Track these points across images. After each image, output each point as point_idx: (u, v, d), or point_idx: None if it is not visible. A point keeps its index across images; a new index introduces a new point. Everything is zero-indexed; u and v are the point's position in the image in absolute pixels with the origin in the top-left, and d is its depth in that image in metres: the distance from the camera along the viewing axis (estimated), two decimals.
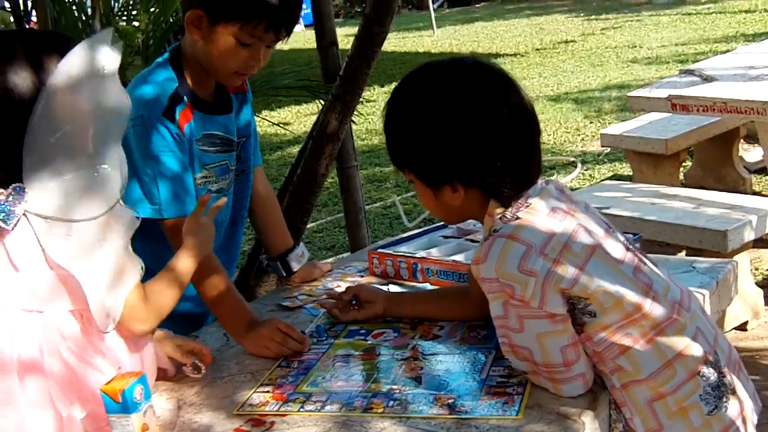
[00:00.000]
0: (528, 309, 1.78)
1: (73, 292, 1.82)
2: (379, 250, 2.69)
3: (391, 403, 1.87)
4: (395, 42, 17.38)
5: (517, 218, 1.84)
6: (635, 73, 10.67)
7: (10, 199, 1.78)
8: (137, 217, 1.87)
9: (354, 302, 2.35)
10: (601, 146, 6.62)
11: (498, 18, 19.23)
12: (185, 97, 2.37)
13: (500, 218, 1.86)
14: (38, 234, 1.78)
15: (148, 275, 1.97)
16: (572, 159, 7.34)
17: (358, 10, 26.39)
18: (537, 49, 13.95)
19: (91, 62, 1.81)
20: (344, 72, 3.42)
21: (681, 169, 6.14)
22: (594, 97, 9.58)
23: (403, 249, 2.68)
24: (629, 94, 5.75)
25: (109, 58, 1.82)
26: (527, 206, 1.85)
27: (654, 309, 1.80)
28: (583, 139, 7.93)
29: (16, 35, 2.05)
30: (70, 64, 1.81)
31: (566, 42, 14.27)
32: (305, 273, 2.74)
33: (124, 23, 3.81)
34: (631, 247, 1.91)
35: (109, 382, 1.74)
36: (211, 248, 2.14)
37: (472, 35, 16.96)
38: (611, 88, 9.90)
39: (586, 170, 7.01)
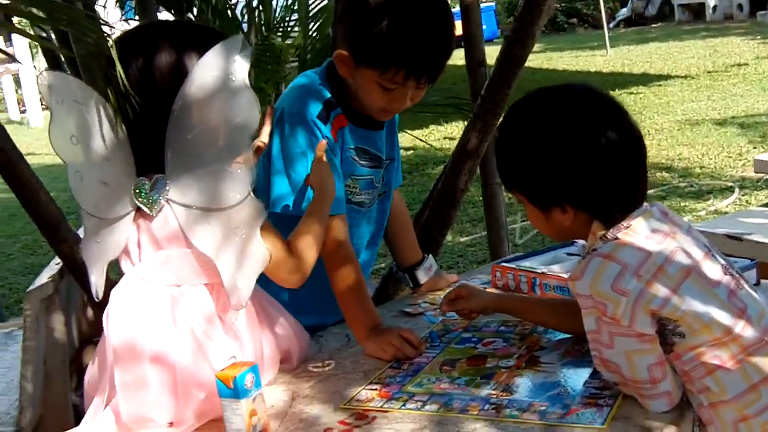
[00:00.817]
0: (618, 327, 1.85)
1: (210, 270, 2.04)
2: (502, 264, 2.79)
3: (487, 406, 1.97)
4: (568, 60, 17.33)
5: (617, 239, 1.91)
6: None
7: (155, 188, 2.02)
8: (266, 209, 2.06)
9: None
10: (754, 172, 6.52)
11: (673, 39, 18.87)
12: (339, 108, 2.48)
13: (601, 238, 1.94)
14: (179, 220, 2.02)
15: None
16: (730, 184, 7.24)
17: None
18: (708, 72, 13.67)
19: (222, 70, 2.00)
20: (485, 92, 3.52)
21: None
22: (761, 123, 9.36)
23: (526, 264, 2.77)
24: None
25: (240, 67, 2.00)
26: (627, 227, 1.92)
27: (744, 333, 1.83)
28: (744, 165, 7.78)
29: (169, 26, 2.25)
30: (203, 71, 2.00)
31: (738, 65, 13.92)
32: (431, 283, 2.86)
33: (280, 38, 3.99)
34: (731, 270, 1.95)
35: (223, 369, 1.91)
36: (334, 190, 2.31)
37: (645, 56, 16.73)
38: None
39: (743, 195, 6.90)
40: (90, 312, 3.65)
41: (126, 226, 2.07)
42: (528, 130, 2.01)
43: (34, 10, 2.26)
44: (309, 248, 2.18)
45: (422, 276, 2.86)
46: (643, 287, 1.82)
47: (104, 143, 2.06)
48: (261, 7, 4.02)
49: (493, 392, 2.04)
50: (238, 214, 2.01)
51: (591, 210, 1.96)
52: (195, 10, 3.98)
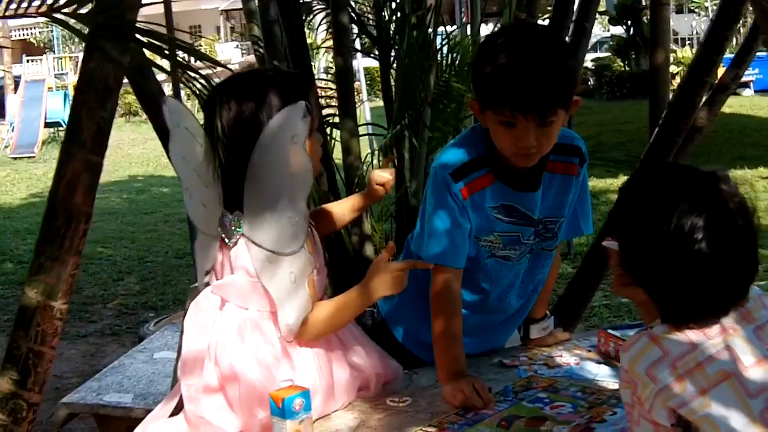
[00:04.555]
0: (642, 408, 1.89)
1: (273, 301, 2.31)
2: (608, 331, 2.84)
3: None
4: None
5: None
6: None
7: (234, 223, 2.31)
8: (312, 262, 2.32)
9: None
10: None
11: None
12: (487, 167, 2.60)
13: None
14: (250, 255, 2.30)
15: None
16: None
17: None
18: None
19: (289, 130, 2.27)
20: (643, 157, 3.56)
21: None
22: None
23: (631, 333, 2.81)
24: None
25: (301, 130, 2.26)
26: None
27: None
28: None
29: (272, 77, 2.47)
30: (275, 128, 2.27)
31: None
32: (539, 339, 2.97)
33: (459, 82, 4.15)
34: None
35: (278, 390, 2.11)
36: (392, 292, 2.44)
37: None
38: None
39: None
40: None
41: (215, 244, 2.39)
42: (631, 210, 2.00)
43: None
44: (318, 329, 2.38)
45: (534, 333, 2.97)
46: (671, 382, 1.83)
47: (205, 171, 2.38)
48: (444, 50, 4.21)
49: None
50: (294, 262, 2.27)
51: (661, 308, 1.94)
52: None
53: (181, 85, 4.07)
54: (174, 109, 2.42)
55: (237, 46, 38.06)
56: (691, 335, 1.88)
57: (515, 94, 2.39)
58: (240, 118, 2.31)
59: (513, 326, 2.98)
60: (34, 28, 40.42)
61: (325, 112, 4.39)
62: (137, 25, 2.40)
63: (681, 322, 1.90)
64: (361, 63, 12.99)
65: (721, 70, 4.02)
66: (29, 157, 19.49)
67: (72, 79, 26.53)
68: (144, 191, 14.32)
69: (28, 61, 30.98)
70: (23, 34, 41.24)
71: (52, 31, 38.42)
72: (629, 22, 24.31)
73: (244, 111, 2.31)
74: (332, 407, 2.41)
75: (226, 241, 2.34)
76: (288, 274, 2.27)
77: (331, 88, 4.02)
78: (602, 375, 2.65)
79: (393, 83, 4.45)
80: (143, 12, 2.64)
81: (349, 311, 2.42)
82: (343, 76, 4.02)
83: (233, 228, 2.32)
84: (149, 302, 7.56)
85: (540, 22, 4.28)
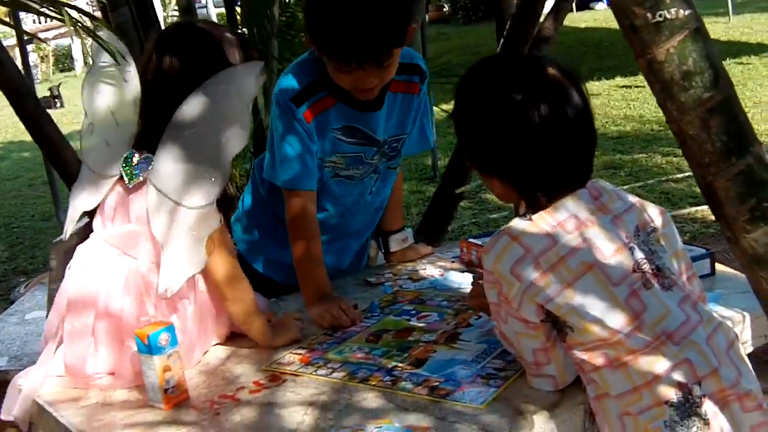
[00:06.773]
0: (510, 307, 1.93)
1: (158, 252, 2.21)
2: (469, 240, 2.90)
3: (387, 378, 2.11)
4: None
5: (531, 220, 1.93)
6: None
7: (140, 164, 2.23)
8: (220, 221, 2.21)
9: None
10: None
11: None
12: (327, 90, 2.59)
13: (520, 215, 1.97)
14: (149, 200, 2.19)
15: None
16: None
17: None
18: None
19: (235, 87, 2.21)
20: None
21: None
22: None
23: None
24: None
25: (249, 91, 2.24)
26: (546, 208, 1.93)
27: (632, 337, 1.84)
28: None
29: (204, 28, 2.42)
30: (220, 81, 2.20)
31: None
32: (402, 254, 3.01)
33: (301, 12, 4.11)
34: (644, 267, 1.91)
35: (143, 327, 2.10)
36: (285, 341, 2.41)
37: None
38: None
39: None
40: None
41: (106, 186, 2.30)
42: (464, 101, 2.04)
43: None
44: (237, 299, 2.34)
45: (394, 245, 3.01)
46: (536, 278, 1.86)
47: (121, 109, 2.31)
48: None
49: (400, 365, 2.17)
50: (197, 217, 2.17)
51: (515, 186, 1.99)
52: None
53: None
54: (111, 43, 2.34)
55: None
56: (549, 229, 1.91)
57: (348, 48, 2.40)
58: (193, 60, 2.27)
59: (353, 247, 3.01)
60: None
61: None
62: None
63: (541, 194, 1.94)
64: (213, 10, 12.85)
65: None
66: None
67: None
68: (4, 158, 13.85)
69: None
70: None
71: None
72: None
73: (199, 55, 2.28)
74: (208, 344, 2.40)
75: (126, 181, 2.25)
76: (187, 229, 2.17)
77: None
78: (466, 283, 2.69)
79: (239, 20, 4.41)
80: None
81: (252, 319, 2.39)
82: (188, 14, 3.96)
83: (138, 169, 2.23)
84: (19, 267, 7.37)
85: None
